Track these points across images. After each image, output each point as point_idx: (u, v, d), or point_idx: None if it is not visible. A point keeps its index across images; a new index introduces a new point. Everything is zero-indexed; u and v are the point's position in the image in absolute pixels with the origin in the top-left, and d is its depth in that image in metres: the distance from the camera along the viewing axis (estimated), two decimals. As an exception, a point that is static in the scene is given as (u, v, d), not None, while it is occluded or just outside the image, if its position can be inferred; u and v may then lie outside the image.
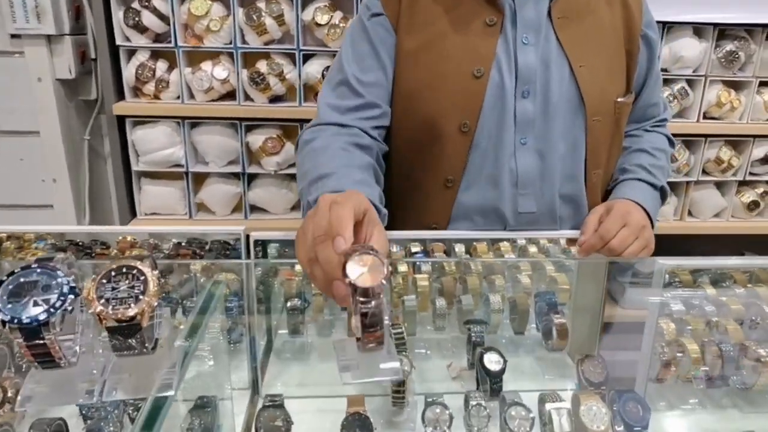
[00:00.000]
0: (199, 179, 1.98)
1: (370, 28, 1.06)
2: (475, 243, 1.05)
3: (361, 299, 0.55)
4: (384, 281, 0.56)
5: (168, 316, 0.75)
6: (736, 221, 2.17)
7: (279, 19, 1.78)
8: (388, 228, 0.76)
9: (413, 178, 1.11)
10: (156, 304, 0.57)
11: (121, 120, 1.85)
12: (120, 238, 1.00)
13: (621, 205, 1.06)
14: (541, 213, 1.09)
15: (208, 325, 0.72)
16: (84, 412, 0.77)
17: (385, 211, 0.87)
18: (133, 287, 0.56)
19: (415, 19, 1.05)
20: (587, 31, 1.07)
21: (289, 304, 0.94)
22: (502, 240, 1.06)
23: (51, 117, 1.86)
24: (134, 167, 1.90)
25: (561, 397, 0.76)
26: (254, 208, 2.02)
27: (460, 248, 1.05)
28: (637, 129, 1.23)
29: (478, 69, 1.02)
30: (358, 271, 0.56)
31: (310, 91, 1.89)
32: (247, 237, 0.95)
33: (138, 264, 0.57)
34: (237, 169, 1.93)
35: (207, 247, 1.00)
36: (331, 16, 1.79)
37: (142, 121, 1.87)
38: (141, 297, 0.56)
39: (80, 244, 1.00)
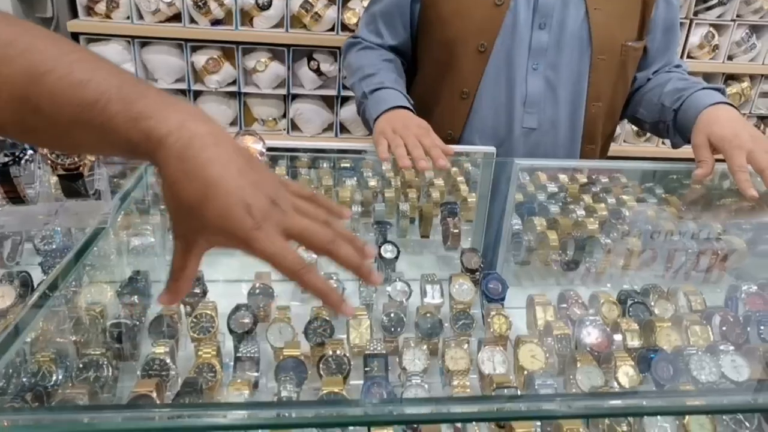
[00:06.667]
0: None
1: None
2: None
3: None
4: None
5: (105, 176, 0.89)
6: None
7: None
8: None
9: (435, 91, 1.29)
10: (94, 161, 0.75)
11: (75, 38, 2.05)
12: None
13: (720, 128, 1.08)
14: (540, 131, 1.27)
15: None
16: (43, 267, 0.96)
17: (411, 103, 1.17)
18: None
19: None
20: None
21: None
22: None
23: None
24: (89, 81, 2.13)
25: (437, 277, 0.95)
26: (200, 121, 2.30)
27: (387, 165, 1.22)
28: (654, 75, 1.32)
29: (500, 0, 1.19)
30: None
31: (246, 17, 2.13)
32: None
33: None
34: (183, 86, 2.18)
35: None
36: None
37: (95, 39, 2.08)
38: (82, 156, 0.75)
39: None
